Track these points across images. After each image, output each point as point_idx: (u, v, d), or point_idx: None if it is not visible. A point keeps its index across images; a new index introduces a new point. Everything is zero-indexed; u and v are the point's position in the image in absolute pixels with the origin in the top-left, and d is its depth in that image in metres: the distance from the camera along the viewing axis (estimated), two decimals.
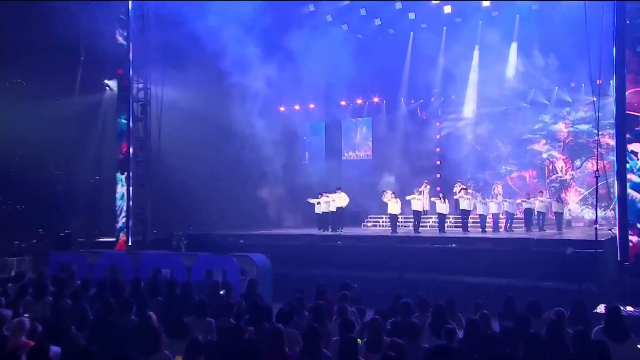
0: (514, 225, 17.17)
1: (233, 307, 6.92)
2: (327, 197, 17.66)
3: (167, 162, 17.72)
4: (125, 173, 16.57)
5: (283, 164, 21.01)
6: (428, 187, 18.71)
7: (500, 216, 17.25)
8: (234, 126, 18.78)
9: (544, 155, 20.97)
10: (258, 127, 19.45)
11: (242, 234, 16.23)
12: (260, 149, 19.61)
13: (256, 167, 19.99)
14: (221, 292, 8.49)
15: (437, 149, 22.39)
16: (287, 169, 21.76)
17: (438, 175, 22.07)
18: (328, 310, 6.99)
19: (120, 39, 17.37)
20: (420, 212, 16.67)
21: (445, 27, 20.69)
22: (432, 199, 17.27)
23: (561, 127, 20.84)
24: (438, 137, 22.36)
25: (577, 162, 20.47)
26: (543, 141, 21.09)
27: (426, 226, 18.66)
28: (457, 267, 12.48)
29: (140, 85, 17.60)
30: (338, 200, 17.33)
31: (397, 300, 7.20)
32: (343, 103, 23.53)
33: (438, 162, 22.37)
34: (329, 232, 16.84)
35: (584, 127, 20.35)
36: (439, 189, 19.82)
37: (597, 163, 10.02)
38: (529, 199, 17.24)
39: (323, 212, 17.39)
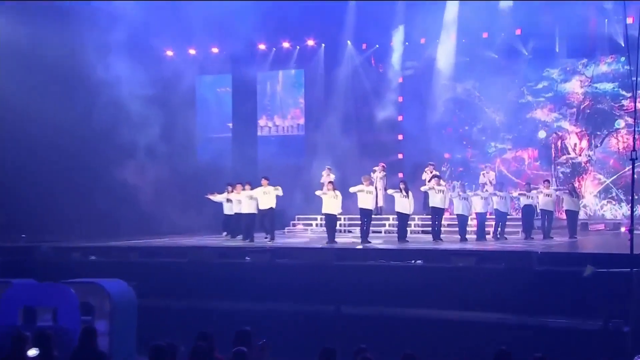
0: (507, 230, 17.25)
1: None
2: (239, 192, 17.17)
3: None
4: None
5: (166, 136, 20.60)
6: (384, 173, 18.71)
7: (488, 217, 17.18)
8: (84, 72, 18.44)
9: (543, 133, 21.06)
10: (125, 75, 18.69)
11: (93, 247, 15.89)
12: (128, 109, 19.13)
13: (120, 137, 19.35)
14: (31, 353, 7.54)
15: (399, 118, 22.36)
16: (172, 143, 21.16)
17: (400, 156, 22.11)
18: None
19: None
20: (370, 211, 16.46)
21: None
22: (390, 191, 17.00)
23: (575, 87, 20.94)
24: (400, 99, 22.36)
25: (580, 142, 20.61)
26: (549, 107, 21.17)
27: (380, 232, 18.59)
28: (423, 297, 12.37)
29: None
30: (265, 197, 16.76)
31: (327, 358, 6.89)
32: (261, 47, 23.53)
33: (400, 137, 22.36)
34: (237, 243, 16.79)
35: (607, 86, 20.47)
36: (400, 175, 19.78)
37: (634, 137, 9.61)
38: (529, 191, 17.29)
39: (237, 214, 17.31)
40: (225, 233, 17.45)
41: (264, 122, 23.72)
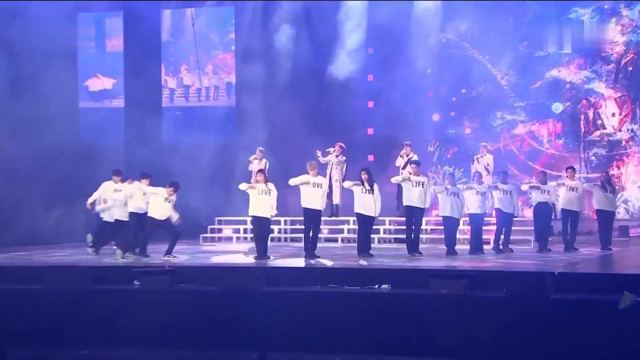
0: (513, 238, 17.41)
1: None
2: (118, 189, 16.88)
3: None
4: None
5: (19, 98, 20.81)
6: (342, 157, 18.63)
7: (487, 219, 17.26)
8: None
9: (559, 106, 21.30)
10: None
11: None
12: None
13: None
14: None
15: (369, 77, 22.57)
16: (31, 109, 20.86)
17: (370, 131, 22.37)
18: None
19: None
20: (319, 212, 16.32)
21: None
22: (347, 184, 16.68)
23: (613, 34, 21.14)
24: (370, 51, 22.54)
25: None
26: (577, 62, 21.36)
27: (336, 240, 19.01)
28: (390, 339, 12.22)
29: None
30: (162, 203, 16.34)
31: None
32: None
33: (370, 104, 22.52)
34: (121, 260, 16.49)
35: None
36: (371, 158, 20.25)
37: None
38: (544, 183, 17.23)
39: (117, 220, 17.22)
40: (91, 242, 17.05)
41: (173, 84, 23.81)
